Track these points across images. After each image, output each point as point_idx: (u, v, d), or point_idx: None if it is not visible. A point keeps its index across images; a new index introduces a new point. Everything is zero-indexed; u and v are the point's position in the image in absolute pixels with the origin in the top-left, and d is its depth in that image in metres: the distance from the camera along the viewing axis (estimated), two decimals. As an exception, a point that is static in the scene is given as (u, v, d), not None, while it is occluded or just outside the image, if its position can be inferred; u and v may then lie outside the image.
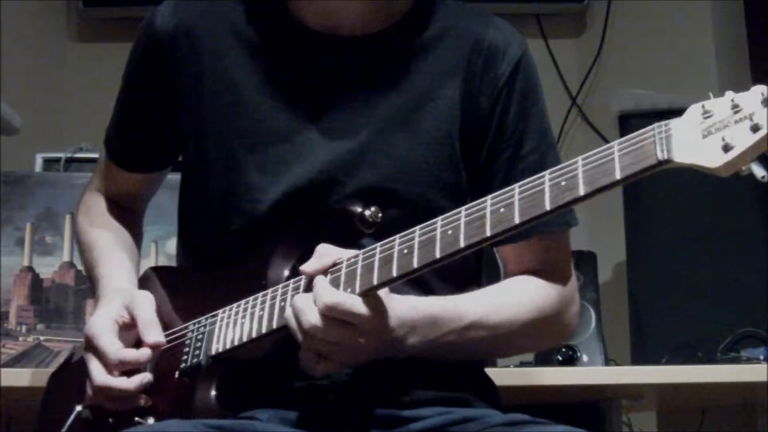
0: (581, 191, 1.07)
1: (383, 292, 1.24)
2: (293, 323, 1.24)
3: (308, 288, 1.26)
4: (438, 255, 1.17)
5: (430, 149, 1.42)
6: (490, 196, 1.17)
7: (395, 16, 1.47)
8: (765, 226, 2.30)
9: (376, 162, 1.41)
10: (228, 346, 1.32)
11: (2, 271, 2.17)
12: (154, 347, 1.35)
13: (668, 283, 2.34)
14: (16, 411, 2.13)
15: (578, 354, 2.26)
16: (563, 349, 2.25)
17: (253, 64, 1.46)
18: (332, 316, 1.20)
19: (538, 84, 1.50)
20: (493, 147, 1.45)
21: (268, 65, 1.45)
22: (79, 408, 1.41)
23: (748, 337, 2.24)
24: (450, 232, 1.17)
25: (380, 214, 1.32)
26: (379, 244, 1.24)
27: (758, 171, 0.99)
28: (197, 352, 1.35)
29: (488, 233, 1.14)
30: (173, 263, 1.68)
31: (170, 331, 1.41)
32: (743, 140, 0.99)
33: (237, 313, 1.34)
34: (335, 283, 1.24)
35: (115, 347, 1.35)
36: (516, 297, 1.43)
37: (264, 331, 1.29)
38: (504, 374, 1.84)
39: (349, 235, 1.32)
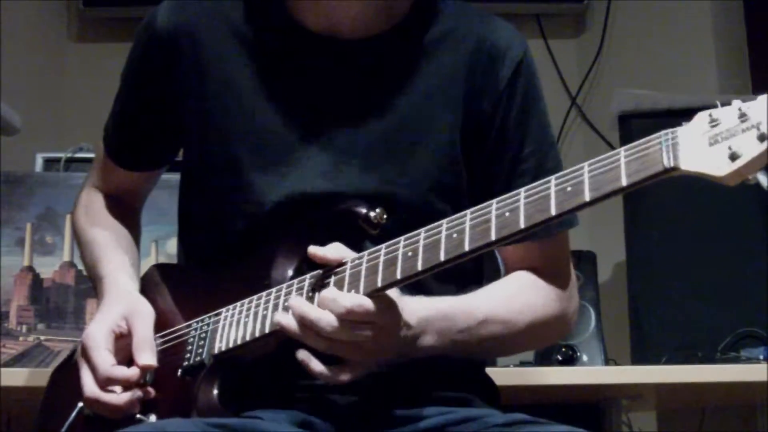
0: (587, 197, 1.07)
1: (394, 292, 1.25)
2: (295, 329, 1.24)
3: (312, 289, 1.27)
4: (442, 258, 1.18)
5: (432, 153, 1.43)
6: (495, 200, 1.17)
7: (396, 17, 1.46)
8: (765, 227, 2.30)
9: (377, 165, 1.41)
10: (231, 345, 1.32)
11: (2, 271, 2.17)
12: (144, 369, 1.35)
13: (668, 283, 2.33)
14: (15, 411, 2.13)
15: (578, 354, 2.26)
16: (563, 349, 2.25)
17: (254, 65, 1.45)
18: (351, 318, 1.21)
19: (539, 85, 1.51)
20: (495, 148, 1.46)
21: (269, 66, 1.45)
22: (81, 404, 1.40)
23: (748, 337, 2.25)
24: (455, 235, 1.18)
25: (385, 216, 1.32)
26: (384, 245, 1.24)
27: (765, 180, 0.99)
28: (200, 350, 1.35)
29: (493, 237, 1.14)
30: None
31: (173, 329, 1.41)
32: (750, 149, 0.99)
33: (240, 312, 1.34)
34: (339, 284, 1.25)
35: (107, 364, 1.35)
36: (522, 293, 1.45)
37: (267, 330, 1.29)
38: (504, 374, 1.84)
39: (352, 237, 1.32)
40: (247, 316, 1.33)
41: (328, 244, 1.31)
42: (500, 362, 2.13)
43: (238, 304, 1.35)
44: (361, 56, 1.44)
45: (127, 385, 1.34)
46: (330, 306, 1.22)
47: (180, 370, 1.35)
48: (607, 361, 2.30)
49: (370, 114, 1.43)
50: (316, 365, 1.25)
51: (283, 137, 1.42)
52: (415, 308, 1.30)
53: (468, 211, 1.19)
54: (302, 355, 1.26)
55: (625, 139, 2.40)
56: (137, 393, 1.34)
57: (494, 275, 1.58)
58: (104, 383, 1.34)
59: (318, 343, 1.24)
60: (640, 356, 2.31)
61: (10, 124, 2.41)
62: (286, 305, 1.28)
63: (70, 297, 2.18)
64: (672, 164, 1.02)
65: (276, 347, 1.31)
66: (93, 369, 1.35)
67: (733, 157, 0.99)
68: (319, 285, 1.28)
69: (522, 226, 1.12)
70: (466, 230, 1.17)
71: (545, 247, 1.47)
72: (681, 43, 2.93)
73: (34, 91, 2.92)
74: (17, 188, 2.23)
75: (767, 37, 2.84)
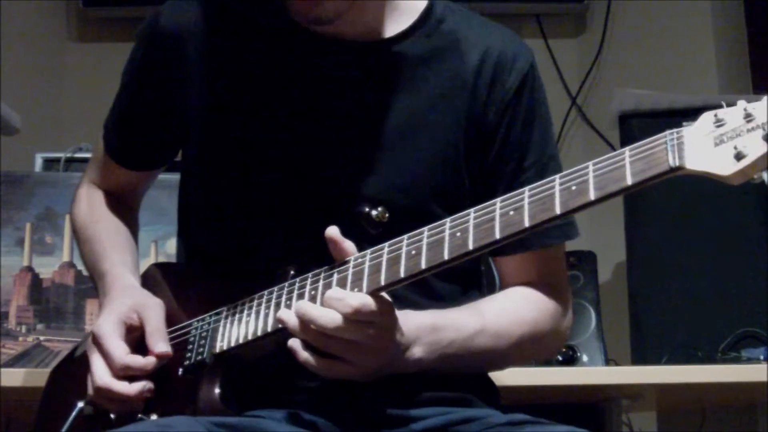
0: (592, 196, 1.07)
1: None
2: (295, 325, 1.24)
3: (314, 287, 1.27)
4: (446, 257, 1.18)
5: (434, 160, 1.43)
6: (499, 198, 1.17)
7: (404, 23, 1.46)
8: (765, 227, 2.30)
9: (376, 170, 1.41)
10: (233, 343, 1.32)
11: (2, 271, 2.17)
12: (160, 357, 1.34)
13: (668, 283, 2.33)
14: (15, 411, 2.13)
15: (578, 354, 2.26)
16: (563, 349, 2.25)
17: (258, 67, 1.45)
18: (357, 318, 1.21)
19: (544, 96, 1.52)
20: (498, 158, 1.46)
21: (274, 69, 1.45)
22: (81, 404, 1.40)
23: (748, 337, 2.25)
24: (459, 234, 1.17)
25: (387, 215, 1.31)
26: (387, 243, 1.24)
27: (770, 179, 0.99)
28: (201, 349, 1.35)
29: (497, 236, 1.14)
30: (173, 263, 1.69)
31: (174, 328, 1.41)
32: (756, 149, 0.99)
33: (242, 311, 1.34)
34: (342, 282, 1.25)
35: (122, 351, 1.34)
36: (514, 309, 1.44)
37: (269, 329, 1.29)
38: (504, 374, 1.83)
39: (353, 237, 1.32)
40: (248, 314, 1.33)
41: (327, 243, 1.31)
42: (500, 362, 2.13)
43: (239, 302, 1.35)
44: (365, 59, 1.44)
45: (142, 374, 1.33)
46: (336, 306, 1.21)
47: (181, 369, 1.35)
48: (607, 361, 2.30)
49: (371, 117, 1.43)
50: (302, 354, 1.25)
51: (284, 138, 1.42)
52: (404, 320, 1.29)
53: (472, 210, 1.19)
54: (292, 342, 1.25)
55: (626, 139, 2.40)
56: (148, 384, 1.33)
57: (494, 278, 1.59)
58: (120, 371, 1.33)
59: (318, 340, 1.23)
60: (640, 356, 2.31)
61: (9, 124, 2.41)
62: (288, 303, 1.28)
63: (70, 297, 2.18)
64: (677, 164, 1.02)
65: (277, 346, 1.31)
66: (107, 357, 1.34)
67: (739, 156, 0.99)
68: (321, 283, 1.28)
69: (527, 224, 1.12)
70: (470, 229, 1.17)
71: (542, 261, 1.47)
72: (681, 43, 2.94)
73: (34, 91, 2.92)
74: (17, 188, 2.23)
75: (767, 37, 2.84)
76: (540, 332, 1.45)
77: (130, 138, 1.58)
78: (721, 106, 1.04)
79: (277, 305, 1.30)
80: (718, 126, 1.02)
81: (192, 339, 1.37)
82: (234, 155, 1.44)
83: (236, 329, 1.33)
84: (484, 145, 1.45)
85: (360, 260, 1.25)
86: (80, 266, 2.16)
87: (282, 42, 1.46)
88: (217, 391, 1.31)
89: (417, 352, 1.32)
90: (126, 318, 1.38)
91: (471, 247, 1.16)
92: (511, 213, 1.14)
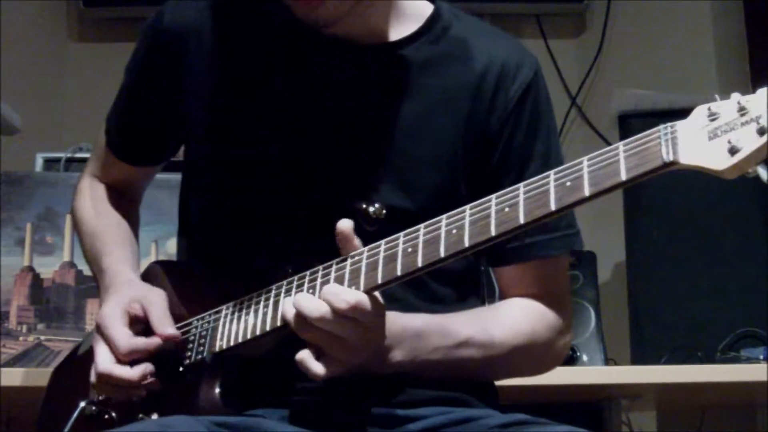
0: (586, 192, 1.07)
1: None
2: (291, 317, 1.23)
3: (313, 285, 1.27)
4: (442, 254, 1.17)
5: (432, 166, 1.42)
6: (494, 195, 1.16)
7: (410, 27, 1.46)
8: (765, 226, 2.30)
9: (376, 174, 1.40)
10: (232, 342, 1.32)
11: (2, 271, 2.18)
12: (168, 339, 1.34)
13: (668, 283, 2.34)
14: (15, 411, 2.13)
15: (578, 354, 2.26)
16: (563, 349, 2.25)
17: (260, 65, 1.45)
18: (350, 315, 1.20)
19: (550, 107, 1.51)
20: (499, 166, 1.45)
21: (275, 66, 1.45)
22: (83, 404, 1.40)
23: (747, 337, 2.25)
24: (455, 231, 1.17)
25: (384, 211, 1.31)
26: (383, 241, 1.24)
27: (764, 173, 0.98)
28: (201, 348, 1.35)
29: (493, 233, 1.14)
30: (173, 263, 1.69)
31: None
32: (750, 143, 0.98)
33: (241, 310, 1.34)
34: (340, 280, 1.24)
35: (127, 335, 1.34)
36: (509, 320, 1.43)
37: (268, 328, 1.29)
38: (504, 374, 1.84)
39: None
40: (248, 313, 1.32)
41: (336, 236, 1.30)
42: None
43: (239, 301, 1.35)
44: (369, 61, 1.44)
45: (146, 355, 1.33)
46: (332, 300, 1.21)
47: (181, 368, 1.35)
48: (607, 361, 2.30)
49: (372, 121, 1.42)
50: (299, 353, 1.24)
51: (285, 138, 1.42)
52: (392, 321, 1.28)
53: (467, 207, 1.18)
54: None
55: (625, 139, 2.40)
56: (150, 367, 1.33)
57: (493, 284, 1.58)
58: (126, 354, 1.33)
59: (305, 332, 1.23)
60: (640, 356, 2.31)
61: (10, 123, 2.41)
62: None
63: (70, 297, 2.18)
64: (671, 158, 1.02)
65: (277, 345, 1.31)
66: (112, 343, 1.34)
67: (733, 150, 0.98)
68: (320, 281, 1.28)
69: (522, 221, 1.12)
70: (466, 226, 1.16)
71: (542, 272, 1.46)
72: (681, 43, 2.94)
73: (34, 91, 2.92)
74: (17, 188, 2.23)
75: (767, 37, 2.84)
76: (534, 347, 1.44)
77: (131, 134, 1.59)
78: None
79: (276, 304, 1.30)
80: (712, 120, 1.02)
81: (192, 338, 1.37)
82: (235, 154, 1.44)
83: (236, 328, 1.32)
84: (486, 152, 1.45)
85: (357, 258, 1.25)
86: (81, 266, 2.17)
87: (285, 42, 1.46)
88: (217, 390, 1.31)
89: (397, 355, 1.31)
90: (129, 308, 1.37)
91: (467, 243, 1.15)
92: (507, 210, 1.13)
